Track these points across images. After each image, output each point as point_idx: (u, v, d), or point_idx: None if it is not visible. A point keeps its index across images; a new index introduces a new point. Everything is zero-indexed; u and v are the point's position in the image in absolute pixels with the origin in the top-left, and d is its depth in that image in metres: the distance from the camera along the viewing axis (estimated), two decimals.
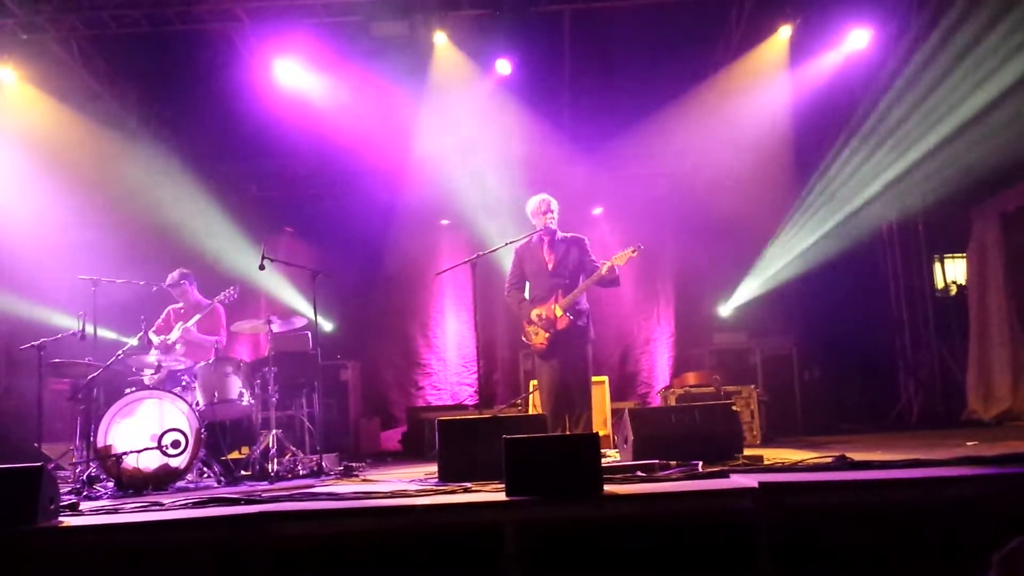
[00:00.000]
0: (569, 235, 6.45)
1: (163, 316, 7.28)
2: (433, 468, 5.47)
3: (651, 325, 11.26)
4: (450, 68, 9.30)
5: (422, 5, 8.60)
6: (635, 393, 10.94)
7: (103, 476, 5.81)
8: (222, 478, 6.09)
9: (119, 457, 5.63)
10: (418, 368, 11.40)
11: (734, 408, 6.03)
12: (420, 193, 10.56)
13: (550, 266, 6.33)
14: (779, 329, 10.21)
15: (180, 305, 7.24)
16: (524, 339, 6.46)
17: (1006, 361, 9.11)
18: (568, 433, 5.98)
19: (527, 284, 6.50)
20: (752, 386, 8.56)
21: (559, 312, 6.18)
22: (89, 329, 6.51)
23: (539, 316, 6.24)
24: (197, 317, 6.93)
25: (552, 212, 6.34)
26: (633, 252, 6.04)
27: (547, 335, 6.21)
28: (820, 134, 10.25)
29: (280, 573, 3.48)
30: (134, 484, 5.62)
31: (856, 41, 9.06)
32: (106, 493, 5.57)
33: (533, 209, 6.40)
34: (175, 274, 7.14)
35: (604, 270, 6.08)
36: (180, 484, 5.86)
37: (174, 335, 6.85)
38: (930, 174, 9.27)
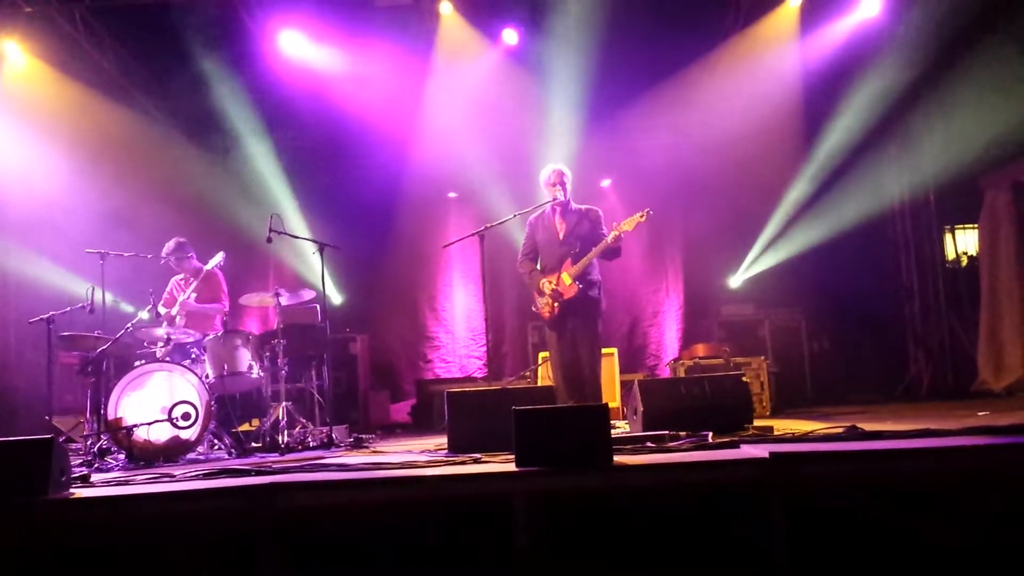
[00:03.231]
0: (583, 207, 6.41)
1: (168, 288, 7.28)
2: (443, 440, 5.49)
3: (660, 297, 11.23)
4: (456, 38, 9.22)
5: None
6: (644, 365, 10.94)
7: (114, 448, 5.85)
8: (232, 450, 6.12)
9: (130, 429, 5.65)
10: (427, 341, 11.41)
11: (744, 379, 6.01)
12: (427, 165, 10.51)
13: (561, 235, 6.29)
14: (788, 300, 10.18)
15: (182, 276, 7.23)
16: (534, 308, 6.45)
17: (1017, 331, 9.06)
18: (577, 404, 5.98)
19: (539, 255, 6.47)
20: (761, 357, 8.54)
21: (568, 281, 6.15)
22: (98, 302, 6.51)
23: (549, 286, 6.22)
24: (194, 285, 6.93)
25: (565, 183, 6.30)
26: (642, 217, 5.99)
27: (556, 304, 6.19)
28: (831, 103, 10.14)
29: (291, 544, 3.49)
30: (145, 456, 5.65)
31: (867, 8, 8.93)
32: (117, 465, 5.61)
33: (546, 178, 6.35)
34: (171, 244, 7.10)
35: (611, 238, 6.04)
36: (191, 456, 5.89)
37: (176, 307, 6.86)
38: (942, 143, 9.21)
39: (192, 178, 10.18)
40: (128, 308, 7.83)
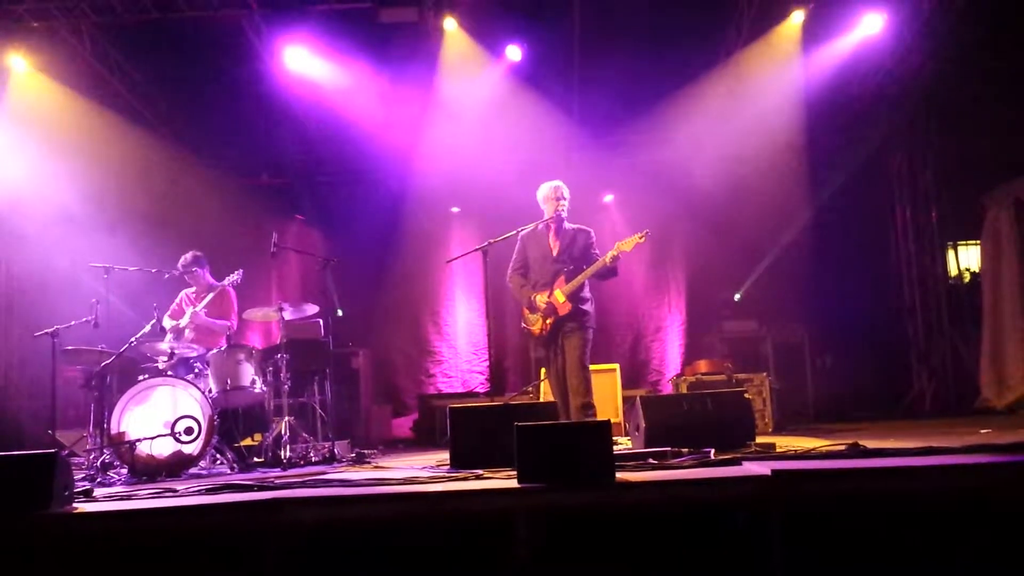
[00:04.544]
0: (576, 226, 6.42)
1: (177, 301, 7.28)
2: (445, 455, 5.48)
3: (662, 313, 11.23)
4: (460, 54, 9.28)
5: None
6: (646, 381, 10.93)
7: (117, 463, 5.85)
8: (235, 465, 6.12)
9: (133, 444, 5.65)
10: (429, 356, 11.42)
11: (746, 396, 6.01)
12: (431, 180, 10.55)
13: (554, 252, 6.29)
14: (791, 317, 10.18)
15: (193, 289, 7.24)
16: (523, 324, 6.45)
17: (1019, 349, 9.06)
18: (569, 417, 5.97)
19: (529, 271, 6.47)
20: (764, 374, 8.54)
21: (561, 298, 6.15)
22: (102, 316, 6.53)
23: (541, 302, 6.22)
24: (208, 299, 6.93)
25: (564, 199, 6.31)
26: (640, 238, 5.98)
27: (549, 321, 6.19)
28: (833, 120, 10.18)
29: (294, 559, 3.49)
30: (148, 471, 5.65)
31: (870, 26, 8.98)
32: (120, 479, 5.61)
33: (545, 195, 6.36)
34: (188, 256, 7.11)
35: (608, 258, 6.04)
36: (193, 471, 5.89)
37: (184, 319, 6.87)
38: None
39: (195, 192, 10.22)
40: (132, 322, 7.85)
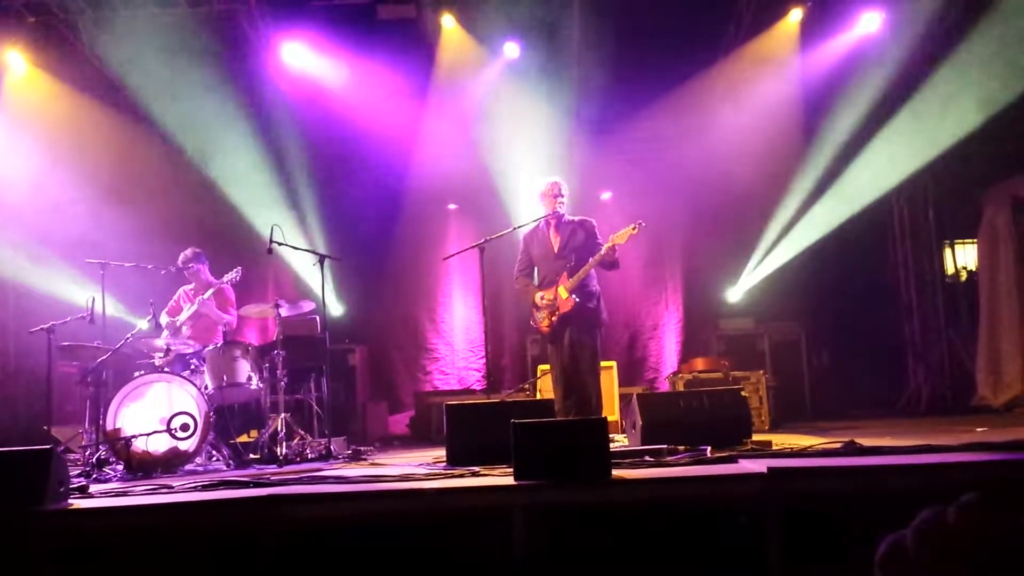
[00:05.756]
0: (576, 218, 6.42)
1: (175, 298, 7.26)
2: (441, 452, 5.48)
3: (659, 310, 11.21)
4: (457, 51, 9.27)
5: None
6: (643, 378, 10.91)
7: (112, 459, 5.84)
8: (231, 461, 6.11)
9: (128, 440, 5.65)
10: (425, 353, 11.39)
11: (742, 393, 6.01)
12: (428, 177, 10.52)
13: (556, 248, 6.30)
14: (788, 315, 10.16)
15: (191, 286, 7.22)
16: (532, 324, 6.46)
17: (1016, 347, 9.06)
18: (576, 418, 5.97)
19: (535, 270, 6.48)
20: (760, 371, 8.52)
21: (564, 294, 6.14)
22: (98, 312, 6.51)
23: (543, 298, 6.22)
24: (211, 292, 6.91)
25: (562, 196, 6.32)
26: (634, 229, 5.97)
27: (553, 318, 6.19)
28: (831, 118, 10.17)
29: (289, 556, 3.49)
30: (143, 467, 5.65)
31: (867, 24, 8.98)
32: (115, 476, 5.61)
33: (543, 191, 6.37)
34: (188, 252, 7.09)
35: (604, 250, 6.04)
36: (189, 467, 5.88)
37: (185, 314, 6.85)
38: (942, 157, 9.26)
39: (191, 188, 10.19)
40: (129, 318, 7.84)
